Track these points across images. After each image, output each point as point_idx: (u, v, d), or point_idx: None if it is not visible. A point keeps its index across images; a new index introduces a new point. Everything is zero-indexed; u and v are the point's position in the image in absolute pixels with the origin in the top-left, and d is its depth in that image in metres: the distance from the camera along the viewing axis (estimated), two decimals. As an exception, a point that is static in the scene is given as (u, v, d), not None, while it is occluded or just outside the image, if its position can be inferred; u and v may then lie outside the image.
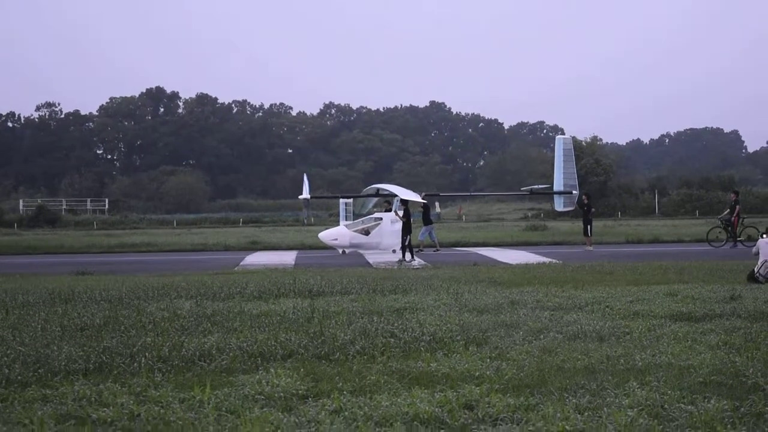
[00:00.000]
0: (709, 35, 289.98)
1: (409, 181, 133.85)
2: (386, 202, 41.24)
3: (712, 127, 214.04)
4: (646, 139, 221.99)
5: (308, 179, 44.80)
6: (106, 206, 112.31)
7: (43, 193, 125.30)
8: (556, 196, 44.65)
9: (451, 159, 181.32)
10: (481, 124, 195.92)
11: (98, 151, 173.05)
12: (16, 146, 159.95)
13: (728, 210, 40.49)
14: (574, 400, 8.64)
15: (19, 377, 10.04)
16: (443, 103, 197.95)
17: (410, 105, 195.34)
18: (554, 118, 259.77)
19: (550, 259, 32.09)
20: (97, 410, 8.49)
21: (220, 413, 8.42)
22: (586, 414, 8.16)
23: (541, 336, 12.63)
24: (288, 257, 36.80)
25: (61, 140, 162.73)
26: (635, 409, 8.27)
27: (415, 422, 8.01)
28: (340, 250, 39.12)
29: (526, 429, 7.74)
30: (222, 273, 27.63)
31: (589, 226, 40.62)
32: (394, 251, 36.73)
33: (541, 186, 48.31)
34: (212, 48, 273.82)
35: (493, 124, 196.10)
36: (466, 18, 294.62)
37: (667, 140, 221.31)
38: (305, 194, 43.06)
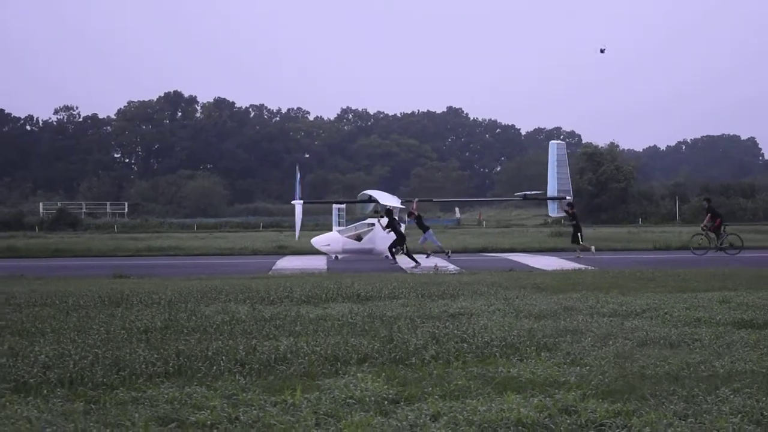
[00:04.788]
0: (722, 41, 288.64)
1: (426, 186, 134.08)
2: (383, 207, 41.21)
3: (728, 134, 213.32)
4: (662, 146, 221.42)
5: (300, 182, 44.33)
6: (126, 210, 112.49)
7: (62, 197, 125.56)
8: (549, 202, 44.57)
9: (468, 164, 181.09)
10: (498, 130, 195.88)
11: (116, 155, 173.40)
12: (35, 150, 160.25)
13: (708, 216, 40.23)
14: (671, 407, 8.62)
15: (103, 380, 10.07)
16: (460, 108, 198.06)
17: (427, 110, 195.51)
18: (571, 124, 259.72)
19: (583, 266, 31.93)
20: (194, 413, 8.51)
21: (318, 417, 8.42)
22: (689, 420, 8.14)
23: (610, 342, 12.58)
24: (319, 262, 36.76)
25: (79, 144, 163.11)
26: (738, 416, 8.25)
27: (518, 427, 8.00)
28: (333, 256, 39.05)
29: (635, 435, 7.71)
30: (258, 277, 27.62)
31: (579, 233, 40.77)
32: (386, 257, 36.72)
33: (534, 192, 48.05)
34: (229, 53, 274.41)
35: (510, 130, 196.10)
36: (483, 24, 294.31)
37: (683, 147, 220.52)
38: (297, 199, 42.65)
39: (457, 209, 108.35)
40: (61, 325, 14.53)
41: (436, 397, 9.12)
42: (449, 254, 39.68)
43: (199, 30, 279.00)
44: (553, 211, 44.62)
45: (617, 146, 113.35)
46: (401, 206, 40.06)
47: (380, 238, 37.39)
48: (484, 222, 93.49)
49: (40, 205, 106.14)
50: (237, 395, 9.32)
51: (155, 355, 11.32)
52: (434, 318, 15.32)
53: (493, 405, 8.70)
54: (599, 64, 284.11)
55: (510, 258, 38.58)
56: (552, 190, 43.48)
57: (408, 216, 40.12)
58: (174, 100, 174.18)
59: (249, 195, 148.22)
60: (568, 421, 8.16)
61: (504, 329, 13.59)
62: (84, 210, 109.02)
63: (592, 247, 40.49)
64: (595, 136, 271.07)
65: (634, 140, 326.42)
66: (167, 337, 13.31)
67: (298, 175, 43.61)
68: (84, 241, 57.50)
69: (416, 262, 33.95)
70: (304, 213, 43.03)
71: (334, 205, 44.19)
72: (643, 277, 24.46)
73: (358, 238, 38.80)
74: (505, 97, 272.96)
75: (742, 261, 33.81)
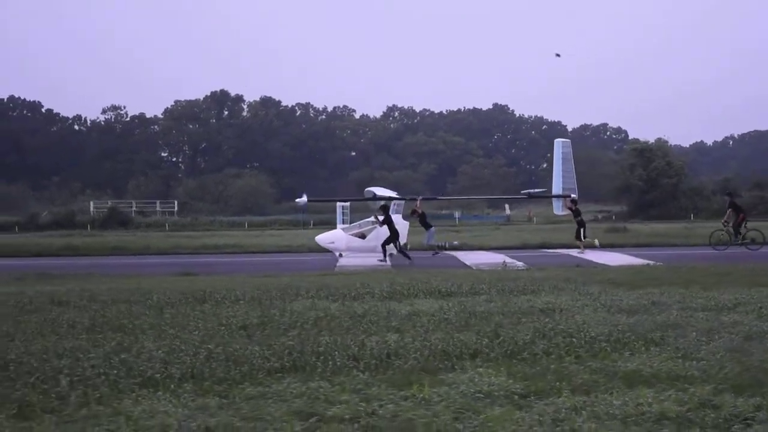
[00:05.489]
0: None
1: (474, 184, 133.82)
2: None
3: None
4: (709, 141, 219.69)
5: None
6: (176, 208, 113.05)
7: (109, 195, 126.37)
8: (554, 200, 44.19)
9: (514, 161, 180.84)
10: (544, 127, 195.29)
11: (163, 154, 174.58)
12: (83, 149, 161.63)
13: (730, 210, 40.16)
14: (812, 401, 8.54)
15: (225, 375, 10.10)
16: (506, 105, 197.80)
17: (473, 107, 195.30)
18: (617, 120, 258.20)
19: (648, 261, 31.71)
20: (329, 408, 8.51)
21: (454, 411, 8.39)
22: (835, 414, 8.06)
23: (716, 336, 12.47)
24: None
25: (126, 143, 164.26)
26: None
27: (663, 421, 7.95)
28: (337, 254, 39.20)
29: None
30: (327, 274, 27.70)
31: (582, 230, 41.02)
32: (391, 254, 36.69)
33: (539, 190, 47.76)
34: (276, 52, 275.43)
35: (556, 126, 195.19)
36: (529, 22, 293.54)
37: (731, 142, 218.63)
38: (303, 198, 42.62)
39: (507, 206, 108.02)
40: (158, 322, 14.62)
41: (566, 391, 9.08)
42: (437, 252, 39.61)
43: (246, 29, 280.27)
44: (558, 209, 44.33)
45: (667, 141, 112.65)
46: (398, 197, 40.67)
47: (384, 235, 37.16)
48: (534, 218, 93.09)
49: (91, 204, 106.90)
50: (363, 390, 9.31)
51: (267, 351, 11.35)
52: (523, 313, 15.21)
53: (628, 399, 8.66)
54: (644, 59, 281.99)
55: (571, 254, 38.43)
56: (557, 188, 43.11)
57: (411, 214, 40.15)
58: (220, 99, 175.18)
59: (295, 193, 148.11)
60: (712, 415, 8.10)
61: (604, 324, 13.50)
62: (134, 209, 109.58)
63: (582, 244, 40.91)
64: (643, 132, 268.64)
65: (680, 136, 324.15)
66: (266, 333, 13.34)
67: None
68: (139, 240, 57.96)
69: (385, 258, 35.18)
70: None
71: (339, 203, 44.30)
72: (717, 272, 24.16)
73: (362, 236, 38.82)
74: (551, 94, 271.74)
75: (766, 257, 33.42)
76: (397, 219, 37.75)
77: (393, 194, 41.01)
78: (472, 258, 36.06)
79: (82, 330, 13.98)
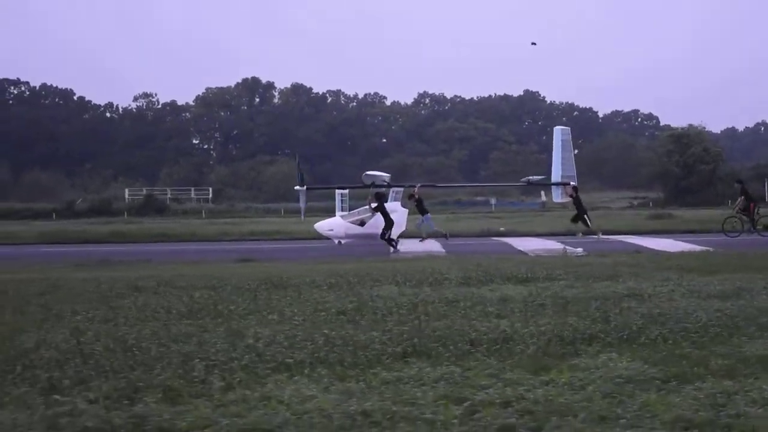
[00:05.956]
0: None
1: (506, 170, 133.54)
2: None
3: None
4: (740, 128, 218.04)
5: (299, 167, 43.88)
6: (210, 195, 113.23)
7: (142, 183, 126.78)
8: (553, 188, 43.96)
9: (545, 148, 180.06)
10: (575, 113, 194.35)
11: (194, 141, 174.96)
12: (115, 137, 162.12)
13: (741, 198, 40.42)
14: None
15: (353, 360, 10.06)
16: (537, 91, 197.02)
17: (504, 94, 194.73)
18: (648, 107, 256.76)
19: (703, 247, 31.46)
20: (474, 392, 8.45)
21: (605, 395, 8.32)
22: None
23: (827, 323, 12.40)
24: (434, 246, 36.74)
25: (158, 130, 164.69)
26: None
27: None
28: (336, 241, 39.21)
29: None
30: (386, 261, 27.71)
31: (586, 216, 41.46)
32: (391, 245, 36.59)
33: (538, 177, 47.51)
34: (306, 38, 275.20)
35: (587, 113, 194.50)
36: (557, 5, 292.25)
37: (762, 128, 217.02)
38: (300, 185, 42.40)
39: (542, 192, 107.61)
40: (254, 307, 14.62)
41: (708, 376, 9.00)
42: (447, 237, 39.73)
43: (274, 16, 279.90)
44: (558, 197, 44.15)
45: (704, 128, 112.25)
46: (393, 183, 40.98)
47: (383, 223, 37.07)
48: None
49: (126, 191, 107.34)
50: (499, 375, 9.22)
51: (383, 336, 11.31)
52: (608, 299, 15.08)
53: (778, 384, 8.61)
54: (675, 48, 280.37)
55: (624, 240, 38.27)
56: (556, 175, 42.89)
57: (408, 198, 40.12)
58: (252, 86, 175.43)
59: (326, 180, 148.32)
60: None
61: (705, 310, 13.35)
62: (169, 196, 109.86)
63: (600, 233, 41.22)
64: (674, 118, 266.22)
65: (711, 122, 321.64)
66: (366, 318, 13.31)
67: (298, 162, 43.46)
68: (181, 227, 58.13)
69: (394, 248, 35.44)
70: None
71: (337, 191, 44.41)
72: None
73: (361, 223, 38.77)
74: (581, 80, 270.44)
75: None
76: (395, 206, 38.01)
77: (386, 176, 40.81)
78: (525, 244, 35.95)
79: (180, 315, 13.99)
